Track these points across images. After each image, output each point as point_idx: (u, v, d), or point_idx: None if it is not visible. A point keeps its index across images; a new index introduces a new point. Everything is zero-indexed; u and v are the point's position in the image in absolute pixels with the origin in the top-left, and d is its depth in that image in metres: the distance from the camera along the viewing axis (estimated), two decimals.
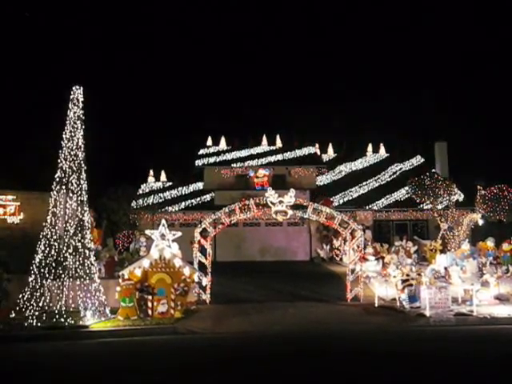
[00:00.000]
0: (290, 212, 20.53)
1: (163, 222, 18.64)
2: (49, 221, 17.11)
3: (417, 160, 40.87)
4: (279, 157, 37.62)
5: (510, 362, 11.37)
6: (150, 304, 17.52)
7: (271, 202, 20.41)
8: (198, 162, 36.93)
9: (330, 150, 41.82)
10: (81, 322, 16.12)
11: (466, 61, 71.15)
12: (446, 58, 73.82)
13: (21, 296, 16.58)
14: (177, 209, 33.68)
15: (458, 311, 17.30)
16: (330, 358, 12.06)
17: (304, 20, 76.49)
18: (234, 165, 36.29)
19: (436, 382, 9.91)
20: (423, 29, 73.40)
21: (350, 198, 35.42)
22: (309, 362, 11.57)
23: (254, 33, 78.46)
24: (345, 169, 39.87)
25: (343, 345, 13.71)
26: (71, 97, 17.80)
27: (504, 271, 21.94)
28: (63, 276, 16.56)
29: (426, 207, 32.11)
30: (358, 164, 40.60)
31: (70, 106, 17.75)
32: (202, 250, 21.09)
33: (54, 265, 16.61)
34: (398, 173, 39.03)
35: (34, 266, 16.82)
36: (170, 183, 37.59)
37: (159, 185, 37.48)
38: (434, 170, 35.94)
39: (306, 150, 38.65)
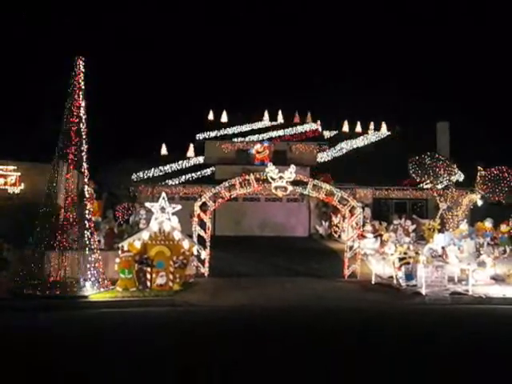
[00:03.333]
0: (290, 188, 20.60)
1: (163, 195, 18.68)
2: (49, 192, 17.14)
3: (418, 139, 40.71)
4: (280, 132, 37.47)
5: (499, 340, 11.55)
6: (148, 276, 17.68)
7: (271, 178, 20.46)
8: (199, 136, 36.79)
9: (332, 126, 41.74)
10: (80, 293, 16.28)
11: (470, 42, 70.46)
12: (451, 38, 73.11)
13: (21, 266, 16.70)
14: (177, 182, 33.68)
15: (453, 290, 17.46)
16: (326, 331, 12.22)
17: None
18: (235, 139, 36.21)
19: (429, 358, 10.07)
20: (424, 13, 72.55)
21: (351, 175, 35.40)
22: (305, 336, 11.73)
23: (257, 7, 77.56)
24: (346, 146, 39.80)
25: (340, 320, 13.87)
26: (73, 67, 17.65)
27: (501, 252, 22.10)
28: (63, 247, 16.67)
29: (425, 187, 32.14)
30: (359, 142, 40.51)
31: (72, 76, 17.60)
32: (202, 224, 21.20)
33: (53, 235, 16.70)
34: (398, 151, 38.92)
35: (34, 236, 16.91)
36: (171, 157, 37.50)
37: (160, 158, 37.39)
38: (434, 150, 35.85)
39: (307, 127, 38.52)
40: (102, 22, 66.28)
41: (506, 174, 26.11)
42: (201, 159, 36.72)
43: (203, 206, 21.26)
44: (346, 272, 20.74)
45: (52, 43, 55.23)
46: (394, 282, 18.93)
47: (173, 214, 18.45)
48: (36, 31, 57.35)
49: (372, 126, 42.05)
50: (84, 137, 17.53)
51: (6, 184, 24.86)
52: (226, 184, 21.14)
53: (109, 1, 68.96)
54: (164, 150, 38.15)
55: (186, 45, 74.21)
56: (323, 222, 31.76)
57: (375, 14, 76.39)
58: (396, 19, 75.75)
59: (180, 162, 36.47)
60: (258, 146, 35.04)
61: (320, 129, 39.58)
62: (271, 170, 20.47)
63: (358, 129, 42.02)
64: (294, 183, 20.89)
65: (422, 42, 72.08)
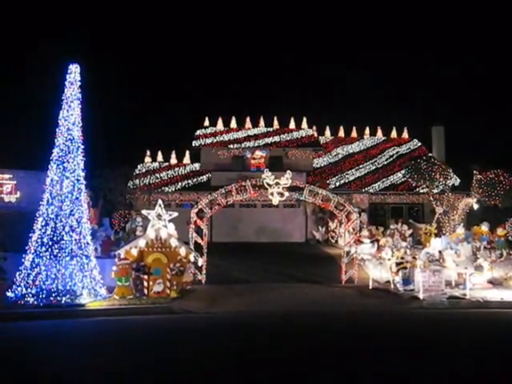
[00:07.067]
0: (286, 194, 20.60)
1: (160, 202, 18.65)
2: (45, 200, 17.10)
3: (414, 144, 40.94)
4: (276, 138, 37.44)
5: (496, 344, 11.55)
6: (145, 283, 17.62)
7: (268, 184, 20.45)
8: (195, 143, 36.69)
9: (328, 132, 41.80)
10: (77, 301, 16.21)
11: (465, 45, 70.83)
12: (446, 40, 73.46)
13: (17, 274, 16.65)
14: (173, 189, 33.67)
15: (451, 294, 17.46)
16: (323, 337, 12.21)
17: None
18: (231, 146, 36.16)
19: (426, 363, 10.06)
20: (424, 10, 72.96)
21: (347, 180, 35.50)
22: (302, 341, 11.71)
23: (250, 11, 77.79)
24: (342, 151, 39.87)
25: (337, 325, 13.86)
26: (68, 75, 17.67)
27: (498, 256, 22.08)
28: (60, 255, 16.62)
29: (421, 191, 32.25)
30: (354, 147, 40.59)
31: (66, 84, 17.63)
32: (198, 231, 21.18)
33: (50, 243, 16.66)
34: (394, 156, 39.09)
35: (30, 244, 16.86)
36: (167, 163, 37.46)
37: (156, 165, 37.36)
38: (430, 154, 36.06)
39: (303, 132, 38.56)
40: (95, 24, 66.37)
41: (502, 178, 26.20)
42: (197, 166, 36.66)
43: (200, 213, 21.25)
44: (344, 277, 20.72)
45: (47, 47, 55.20)
46: (392, 286, 18.93)
47: (169, 221, 18.42)
48: (38, 34, 57.27)
49: (367, 130, 42.08)
50: (79, 144, 17.53)
51: (1, 192, 24.80)
52: (223, 190, 21.13)
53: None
54: (160, 157, 38.04)
55: (182, 49, 74.35)
56: (320, 228, 31.80)
57: (369, 16, 76.75)
58: (390, 23, 76.10)
59: (176, 169, 36.46)
60: (257, 153, 35.11)
61: (316, 134, 39.59)
62: (267, 176, 20.47)
63: (354, 134, 42.00)
64: (291, 189, 20.89)
65: (417, 45, 72.44)
